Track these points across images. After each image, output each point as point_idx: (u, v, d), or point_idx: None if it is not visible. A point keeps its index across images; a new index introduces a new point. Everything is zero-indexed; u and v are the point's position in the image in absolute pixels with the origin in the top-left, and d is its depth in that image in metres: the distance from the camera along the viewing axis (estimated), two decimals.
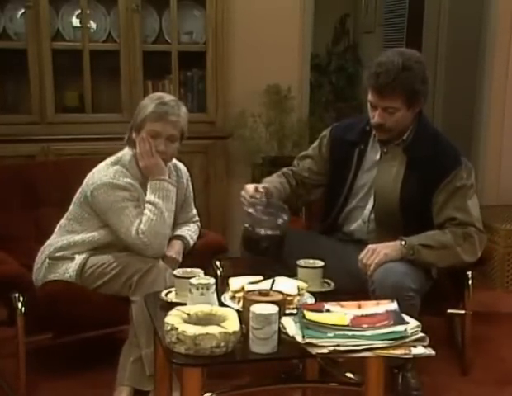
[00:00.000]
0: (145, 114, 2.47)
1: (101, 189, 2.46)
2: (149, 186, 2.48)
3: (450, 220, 2.41)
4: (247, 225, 2.30)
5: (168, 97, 2.53)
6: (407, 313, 1.87)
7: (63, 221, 2.62)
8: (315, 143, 2.73)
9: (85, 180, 2.54)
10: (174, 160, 2.67)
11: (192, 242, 2.69)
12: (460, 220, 2.40)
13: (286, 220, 2.26)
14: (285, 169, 2.75)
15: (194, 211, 2.81)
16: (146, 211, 2.44)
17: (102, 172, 2.50)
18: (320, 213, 2.75)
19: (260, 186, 2.46)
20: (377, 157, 2.55)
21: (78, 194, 2.58)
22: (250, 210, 2.29)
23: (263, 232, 2.25)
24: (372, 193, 2.54)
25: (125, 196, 2.46)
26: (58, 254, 2.55)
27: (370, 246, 2.35)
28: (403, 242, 2.33)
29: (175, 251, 2.60)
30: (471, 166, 2.51)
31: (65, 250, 2.54)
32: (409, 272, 2.29)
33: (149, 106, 2.47)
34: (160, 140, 2.48)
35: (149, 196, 2.47)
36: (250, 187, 2.45)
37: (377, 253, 2.30)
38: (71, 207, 2.60)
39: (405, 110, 2.41)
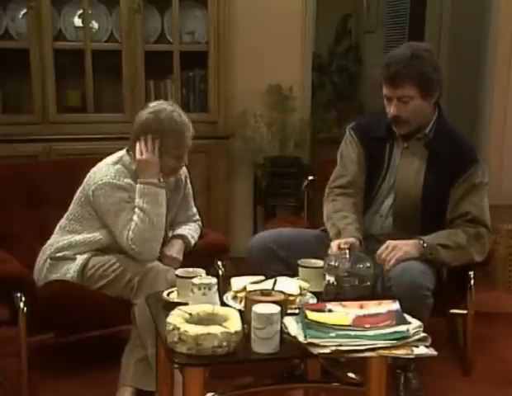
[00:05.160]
0: (168, 140, 2.46)
1: (103, 189, 2.46)
2: (137, 190, 2.46)
3: (463, 215, 2.42)
4: (332, 281, 2.12)
5: (174, 113, 2.50)
6: (420, 312, 1.87)
7: (63, 221, 2.62)
8: (350, 149, 2.60)
9: (85, 179, 2.54)
10: None
11: (193, 242, 2.70)
12: (473, 216, 2.41)
13: (369, 267, 2.14)
14: (342, 187, 2.58)
15: (194, 210, 2.81)
16: (134, 217, 2.43)
17: (103, 172, 2.50)
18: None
19: (342, 243, 2.32)
20: (399, 152, 2.55)
21: (78, 193, 2.58)
22: (334, 264, 2.12)
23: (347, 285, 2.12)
24: (393, 188, 2.53)
25: (124, 198, 2.46)
26: (59, 254, 2.55)
27: (389, 241, 2.34)
28: (421, 242, 2.34)
29: (176, 250, 2.61)
30: (486, 166, 2.52)
31: (66, 250, 2.54)
32: (426, 272, 2.29)
33: (168, 131, 2.46)
34: (183, 158, 2.55)
35: (138, 201, 2.45)
36: (334, 247, 2.34)
37: (398, 249, 2.30)
38: (71, 207, 2.60)
39: (419, 99, 2.41)
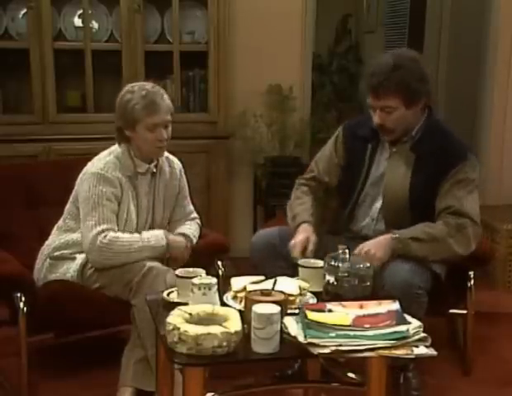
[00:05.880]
0: (137, 110, 2.45)
1: (90, 178, 2.47)
2: (157, 233, 2.51)
3: (446, 209, 2.40)
4: (332, 281, 2.11)
5: (148, 85, 2.51)
6: (415, 312, 1.87)
7: (60, 222, 2.63)
8: (330, 145, 2.69)
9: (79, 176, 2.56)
10: (166, 153, 2.67)
11: (194, 241, 2.70)
12: (455, 209, 2.39)
13: (369, 267, 2.12)
14: (306, 179, 2.71)
15: (191, 207, 2.80)
16: (128, 235, 2.45)
17: (95, 165, 2.52)
18: (331, 212, 2.74)
19: (309, 248, 2.40)
20: (387, 155, 2.55)
21: (73, 192, 2.59)
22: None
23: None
24: (381, 191, 2.54)
25: (107, 194, 2.45)
26: (57, 253, 2.55)
27: (361, 246, 2.32)
28: (394, 236, 2.34)
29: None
30: (478, 163, 2.50)
31: (64, 249, 2.55)
32: (417, 271, 2.30)
33: (136, 102, 2.45)
34: (160, 129, 2.49)
35: (148, 236, 2.48)
36: (297, 247, 2.40)
37: (371, 257, 2.27)
38: (67, 206, 2.61)
39: (402, 109, 2.41)
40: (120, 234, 2.44)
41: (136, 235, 2.48)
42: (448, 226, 2.38)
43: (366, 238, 2.47)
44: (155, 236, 2.51)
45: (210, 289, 1.89)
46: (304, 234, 2.44)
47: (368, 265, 2.10)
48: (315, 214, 2.57)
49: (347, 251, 2.11)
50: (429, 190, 2.44)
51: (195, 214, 2.81)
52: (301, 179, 2.74)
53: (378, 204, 2.56)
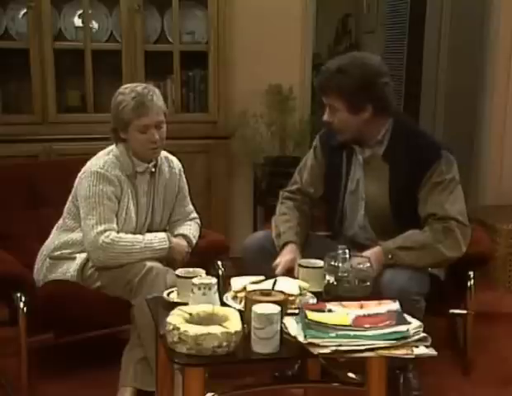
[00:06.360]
0: (127, 112, 2.46)
1: (90, 177, 2.47)
2: (162, 235, 2.53)
3: (430, 216, 2.39)
4: (332, 281, 2.11)
5: (139, 87, 2.51)
6: (413, 317, 1.87)
7: (60, 221, 2.63)
8: (310, 156, 2.69)
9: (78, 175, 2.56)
10: (166, 153, 2.68)
11: (194, 241, 2.70)
12: (440, 216, 2.37)
13: (369, 267, 2.12)
14: (291, 191, 2.70)
15: (191, 207, 2.80)
16: (131, 236, 2.46)
17: (94, 164, 2.52)
18: (324, 220, 2.74)
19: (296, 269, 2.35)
20: (361, 162, 2.53)
21: (72, 191, 2.59)
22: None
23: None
24: (360, 198, 2.53)
25: (107, 193, 2.45)
26: (56, 253, 2.56)
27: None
28: (382, 248, 2.34)
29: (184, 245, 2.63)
30: (453, 159, 2.44)
31: (64, 249, 2.55)
32: (413, 277, 2.29)
33: (126, 104, 2.46)
34: (151, 131, 2.49)
35: (151, 238, 2.49)
36: (281, 267, 2.38)
37: None
38: (66, 205, 2.61)
39: (346, 112, 2.38)
40: (122, 235, 2.44)
41: (139, 236, 2.48)
42: (434, 232, 2.36)
43: (360, 246, 2.46)
44: (158, 238, 2.51)
45: (210, 289, 1.89)
46: (290, 255, 2.43)
47: (368, 264, 2.10)
48: (300, 232, 2.55)
49: (347, 251, 2.11)
50: (409, 196, 2.42)
51: (195, 214, 2.81)
52: (286, 192, 2.72)
53: (361, 212, 2.55)
